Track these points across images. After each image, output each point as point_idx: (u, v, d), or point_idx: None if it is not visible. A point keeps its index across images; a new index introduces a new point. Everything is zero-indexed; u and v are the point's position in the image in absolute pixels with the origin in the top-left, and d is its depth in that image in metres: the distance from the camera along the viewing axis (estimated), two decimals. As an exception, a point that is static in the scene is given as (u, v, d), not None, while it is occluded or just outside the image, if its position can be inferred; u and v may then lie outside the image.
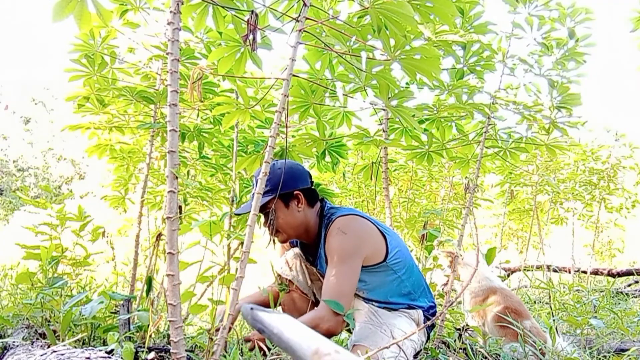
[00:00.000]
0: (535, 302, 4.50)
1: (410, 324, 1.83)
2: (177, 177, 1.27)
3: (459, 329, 2.47)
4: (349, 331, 1.94)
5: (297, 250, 1.94)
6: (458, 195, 5.02)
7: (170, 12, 1.29)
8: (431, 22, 1.97)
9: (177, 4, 1.29)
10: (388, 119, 2.64)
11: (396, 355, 1.66)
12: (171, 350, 1.26)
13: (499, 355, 2.15)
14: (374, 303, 1.83)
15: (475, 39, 2.21)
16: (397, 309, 1.84)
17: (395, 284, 1.85)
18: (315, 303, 1.91)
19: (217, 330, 1.37)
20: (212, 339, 1.43)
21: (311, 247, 1.91)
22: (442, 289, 2.84)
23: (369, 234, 1.77)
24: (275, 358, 1.54)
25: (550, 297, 2.85)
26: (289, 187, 1.74)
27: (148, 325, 1.66)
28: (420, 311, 1.89)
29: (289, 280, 1.86)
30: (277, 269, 1.87)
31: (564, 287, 4.96)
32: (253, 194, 1.68)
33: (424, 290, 1.95)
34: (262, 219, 1.82)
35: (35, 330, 1.86)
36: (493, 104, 2.41)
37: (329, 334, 1.59)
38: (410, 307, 1.87)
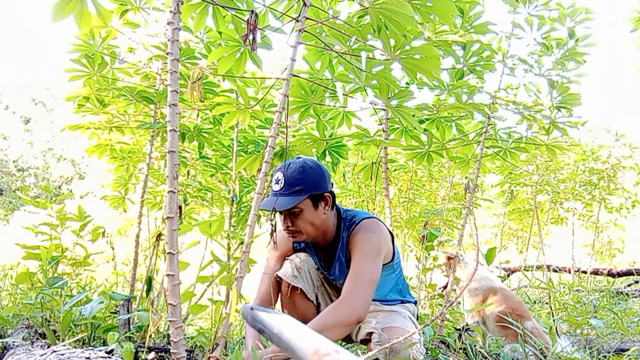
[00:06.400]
0: (535, 302, 4.51)
1: (409, 315, 1.90)
2: (177, 177, 1.27)
3: (459, 329, 2.47)
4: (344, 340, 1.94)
5: (303, 255, 1.87)
6: (458, 195, 5.02)
7: (170, 12, 1.29)
8: (431, 22, 1.98)
9: (177, 4, 1.29)
10: (388, 119, 2.64)
11: (419, 339, 1.72)
12: (171, 350, 1.26)
13: (499, 355, 2.15)
14: (375, 302, 1.86)
15: (475, 39, 2.21)
16: (394, 304, 1.89)
17: (393, 282, 1.90)
18: (318, 307, 1.90)
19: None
20: (212, 339, 1.43)
21: (325, 250, 1.87)
22: (442, 291, 2.85)
23: (388, 237, 1.81)
24: (275, 357, 1.54)
25: (550, 297, 2.84)
26: (321, 188, 1.70)
27: (148, 325, 1.66)
28: (413, 305, 1.97)
29: (292, 286, 1.82)
30: (281, 274, 1.80)
31: (564, 287, 4.96)
32: (277, 193, 1.65)
33: (407, 288, 2.02)
34: (281, 217, 1.74)
35: (35, 330, 1.86)
36: (493, 104, 2.41)
37: (353, 323, 1.56)
38: (402, 302, 1.93)
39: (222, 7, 1.75)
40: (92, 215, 2.40)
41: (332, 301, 1.94)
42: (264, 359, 1.52)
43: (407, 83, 2.59)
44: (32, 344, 1.64)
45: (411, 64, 1.72)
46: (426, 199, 5.09)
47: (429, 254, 2.70)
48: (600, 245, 7.83)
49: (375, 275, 1.65)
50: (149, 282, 2.03)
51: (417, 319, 1.98)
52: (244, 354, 1.55)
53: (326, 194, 1.73)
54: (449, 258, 2.89)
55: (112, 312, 2.05)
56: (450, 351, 2.15)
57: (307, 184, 1.67)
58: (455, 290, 2.78)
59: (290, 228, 1.71)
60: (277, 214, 1.72)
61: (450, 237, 4.68)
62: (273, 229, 1.72)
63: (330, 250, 1.84)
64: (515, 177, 5.01)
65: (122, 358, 1.37)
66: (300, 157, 1.75)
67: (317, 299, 1.88)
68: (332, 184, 1.81)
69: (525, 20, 2.42)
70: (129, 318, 1.78)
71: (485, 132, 2.43)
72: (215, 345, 1.44)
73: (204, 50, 2.61)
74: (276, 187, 1.68)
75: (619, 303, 4.34)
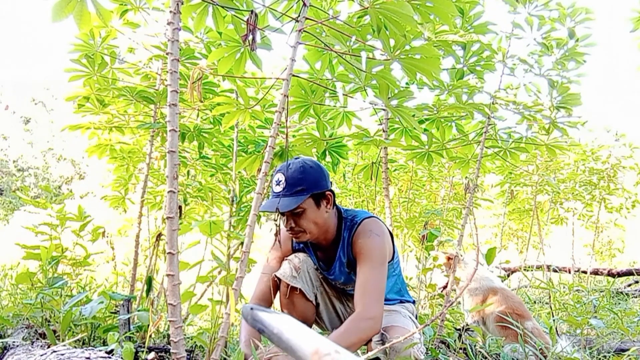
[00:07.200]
0: (535, 302, 4.51)
1: (409, 314, 1.90)
2: (177, 177, 1.27)
3: (459, 329, 2.48)
4: None
5: (302, 255, 1.86)
6: (458, 195, 5.02)
7: (170, 12, 1.29)
8: (431, 22, 1.98)
9: (177, 4, 1.29)
10: (388, 119, 2.64)
11: (419, 338, 1.73)
12: (171, 350, 1.26)
13: (499, 355, 2.15)
14: None
15: (475, 39, 2.21)
16: (393, 304, 1.89)
17: (392, 282, 1.90)
18: (317, 307, 1.89)
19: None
20: (212, 339, 1.43)
21: (325, 250, 1.87)
22: (442, 291, 2.85)
23: (389, 237, 1.81)
24: (273, 356, 1.54)
25: (550, 297, 2.85)
26: (322, 186, 1.71)
27: (148, 325, 1.66)
28: (412, 304, 1.97)
29: (291, 286, 1.81)
30: (279, 274, 1.79)
31: (564, 287, 4.96)
32: (279, 194, 1.65)
33: (406, 287, 2.02)
34: (283, 218, 1.74)
35: (35, 330, 1.86)
36: (493, 104, 2.41)
37: (373, 334, 1.59)
38: (401, 302, 1.93)
39: (222, 7, 1.75)
40: (92, 215, 2.41)
41: (330, 301, 1.94)
42: (264, 358, 1.52)
43: (407, 83, 2.59)
44: (32, 344, 1.64)
45: (411, 64, 1.72)
46: (426, 199, 5.09)
47: (429, 254, 2.70)
48: (600, 245, 7.83)
49: (384, 283, 1.66)
50: (149, 282, 2.03)
51: (417, 319, 1.98)
52: (244, 350, 1.55)
53: (327, 192, 1.74)
54: (449, 258, 2.89)
55: (112, 312, 2.05)
56: (450, 351, 2.15)
57: (308, 183, 1.67)
58: (455, 290, 2.78)
59: (294, 228, 1.71)
60: (279, 215, 1.72)
61: (450, 237, 4.68)
62: (278, 229, 1.71)
63: (331, 249, 1.84)
64: (515, 177, 5.01)
65: (122, 358, 1.37)
66: (298, 158, 1.75)
67: (316, 299, 1.88)
68: (331, 183, 1.81)
69: (525, 20, 2.41)
70: (129, 318, 1.78)
71: (485, 132, 2.43)
72: (215, 346, 1.44)
73: (204, 50, 2.61)
74: (277, 189, 1.67)
75: (619, 303, 4.34)
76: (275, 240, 1.75)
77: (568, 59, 2.46)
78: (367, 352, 1.63)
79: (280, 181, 1.67)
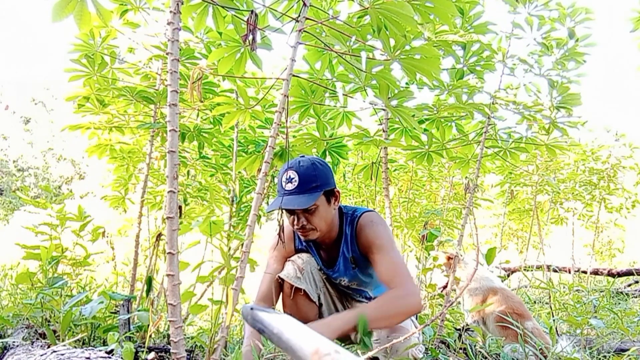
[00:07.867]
0: (535, 302, 4.51)
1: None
2: (177, 177, 1.27)
3: (459, 329, 2.48)
4: (342, 341, 1.91)
5: (305, 256, 1.85)
6: (458, 195, 5.02)
7: (170, 12, 1.29)
8: (431, 22, 1.98)
9: (177, 4, 1.29)
10: (388, 119, 2.64)
11: (419, 338, 1.74)
12: (171, 350, 1.26)
13: (499, 355, 2.15)
14: None
15: (475, 39, 2.21)
16: None
17: None
18: (319, 308, 1.89)
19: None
20: (212, 339, 1.43)
21: (328, 248, 1.85)
22: (442, 291, 2.85)
23: (389, 228, 1.81)
24: (273, 357, 1.54)
25: (550, 297, 2.85)
26: (332, 184, 1.72)
27: (148, 325, 1.66)
28: None
29: (295, 287, 1.80)
30: (283, 275, 1.78)
31: (564, 287, 4.96)
32: (291, 191, 1.64)
33: None
34: (290, 217, 1.72)
35: (35, 330, 1.86)
36: (493, 104, 2.41)
37: (417, 312, 1.55)
38: None
39: (222, 7, 1.75)
40: (92, 215, 2.41)
41: (333, 302, 1.93)
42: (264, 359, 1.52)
43: (407, 83, 2.59)
44: (32, 344, 1.64)
45: (411, 64, 1.72)
46: (426, 199, 5.09)
47: (429, 254, 2.71)
48: (600, 245, 7.83)
49: (405, 264, 1.65)
50: (149, 282, 2.03)
51: (417, 319, 1.98)
52: (243, 350, 1.54)
53: (335, 189, 1.75)
54: (449, 258, 2.89)
55: (112, 312, 2.05)
56: (450, 351, 2.16)
57: (321, 180, 1.67)
58: (455, 290, 2.78)
59: (305, 226, 1.69)
60: (284, 213, 1.71)
61: (450, 237, 4.68)
62: (281, 228, 1.71)
63: (334, 247, 1.83)
64: (515, 177, 5.01)
65: (122, 358, 1.38)
66: (304, 156, 1.75)
67: (319, 299, 1.87)
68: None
69: (525, 20, 2.42)
70: (129, 318, 1.78)
71: (485, 132, 2.43)
72: (215, 346, 1.44)
73: (204, 50, 2.61)
74: (289, 186, 1.65)
75: (619, 303, 4.34)
76: (279, 239, 1.74)
77: (568, 59, 2.46)
78: (367, 352, 1.62)
79: (293, 179, 1.65)
